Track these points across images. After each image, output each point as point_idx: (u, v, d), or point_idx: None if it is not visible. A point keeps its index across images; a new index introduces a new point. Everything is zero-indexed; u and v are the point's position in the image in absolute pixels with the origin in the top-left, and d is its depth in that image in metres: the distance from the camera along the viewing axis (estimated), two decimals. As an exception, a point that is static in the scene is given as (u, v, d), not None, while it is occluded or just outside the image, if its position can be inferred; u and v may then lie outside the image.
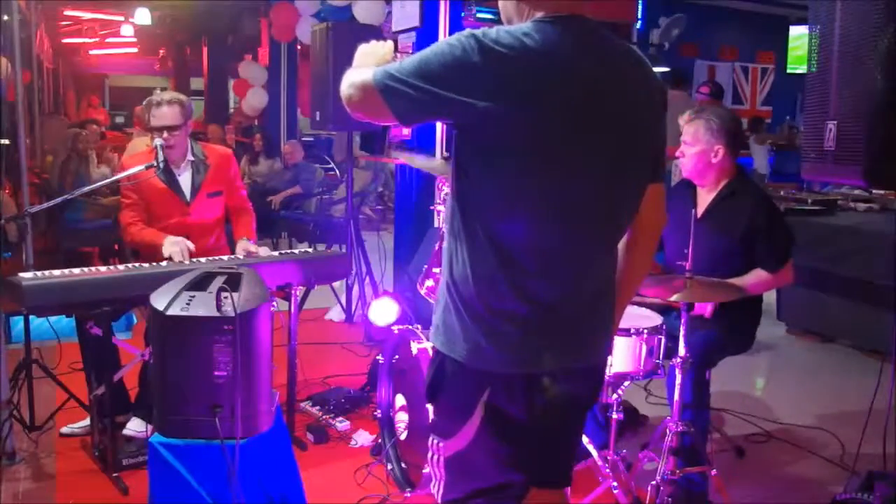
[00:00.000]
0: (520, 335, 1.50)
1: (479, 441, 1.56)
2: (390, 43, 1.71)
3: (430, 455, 1.67)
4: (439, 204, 3.31)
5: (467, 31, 1.43)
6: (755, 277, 2.80)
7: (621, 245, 1.66)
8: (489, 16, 8.81)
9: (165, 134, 3.22)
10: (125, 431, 3.15)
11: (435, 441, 1.64)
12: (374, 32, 4.86)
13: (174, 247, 3.11)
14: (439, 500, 1.68)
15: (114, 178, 3.45)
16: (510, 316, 1.49)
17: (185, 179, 3.37)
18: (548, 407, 1.56)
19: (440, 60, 1.41)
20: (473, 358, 1.51)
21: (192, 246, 3.14)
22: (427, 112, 1.49)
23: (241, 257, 3.25)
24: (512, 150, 1.43)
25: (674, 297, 2.42)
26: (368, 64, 1.60)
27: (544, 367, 1.53)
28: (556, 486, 1.75)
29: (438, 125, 4.59)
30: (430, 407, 1.70)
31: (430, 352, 1.63)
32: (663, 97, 1.63)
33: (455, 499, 1.64)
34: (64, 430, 3.31)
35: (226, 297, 2.22)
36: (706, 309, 2.84)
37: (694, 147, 2.85)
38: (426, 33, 4.75)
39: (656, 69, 1.65)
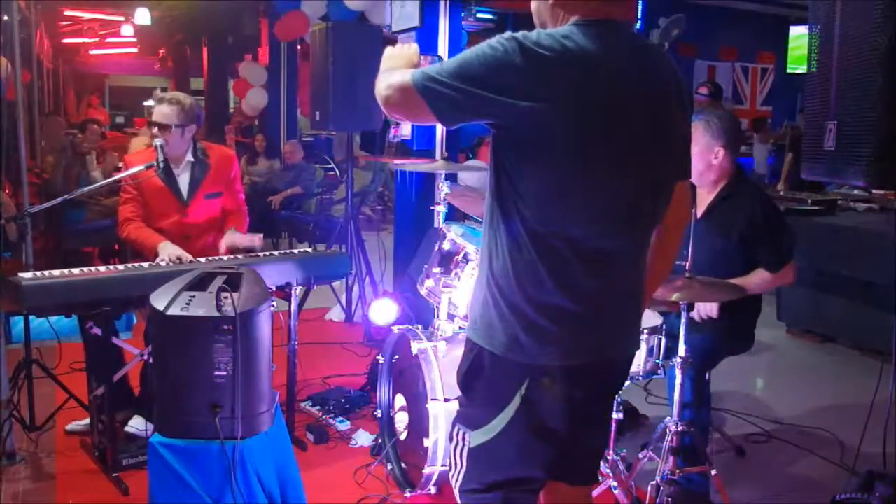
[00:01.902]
0: (559, 328, 1.54)
1: (508, 433, 1.60)
2: (416, 45, 1.77)
3: (452, 444, 1.70)
4: (439, 204, 3.31)
5: (508, 34, 1.47)
6: (757, 277, 2.80)
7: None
8: (489, 16, 8.82)
9: (155, 129, 3.27)
10: (127, 429, 3.15)
11: (461, 431, 1.68)
12: (375, 32, 4.88)
13: (165, 253, 3.14)
14: (457, 490, 1.72)
15: (114, 177, 3.46)
16: (550, 308, 1.53)
17: (183, 180, 3.38)
18: (584, 399, 1.61)
19: (481, 62, 1.46)
20: (512, 350, 1.55)
21: (186, 258, 3.15)
22: (468, 112, 1.52)
23: (223, 247, 3.29)
24: (551, 148, 1.47)
25: (674, 297, 2.42)
26: (397, 66, 1.66)
27: (583, 360, 1.58)
28: (585, 482, 1.80)
29: (439, 127, 4.59)
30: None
31: (466, 344, 1.68)
32: (690, 97, 1.69)
33: (473, 489, 1.68)
34: (69, 427, 3.32)
35: (226, 297, 2.22)
36: (713, 309, 2.83)
37: (694, 148, 2.84)
38: (426, 33, 4.75)
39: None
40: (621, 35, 1.53)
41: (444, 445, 2.61)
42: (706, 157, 2.86)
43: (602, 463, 2.71)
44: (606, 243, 1.55)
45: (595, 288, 1.55)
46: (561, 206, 1.50)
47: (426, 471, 2.69)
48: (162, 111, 3.27)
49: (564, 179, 1.49)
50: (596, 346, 1.60)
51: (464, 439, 1.66)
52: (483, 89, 1.45)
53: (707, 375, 2.92)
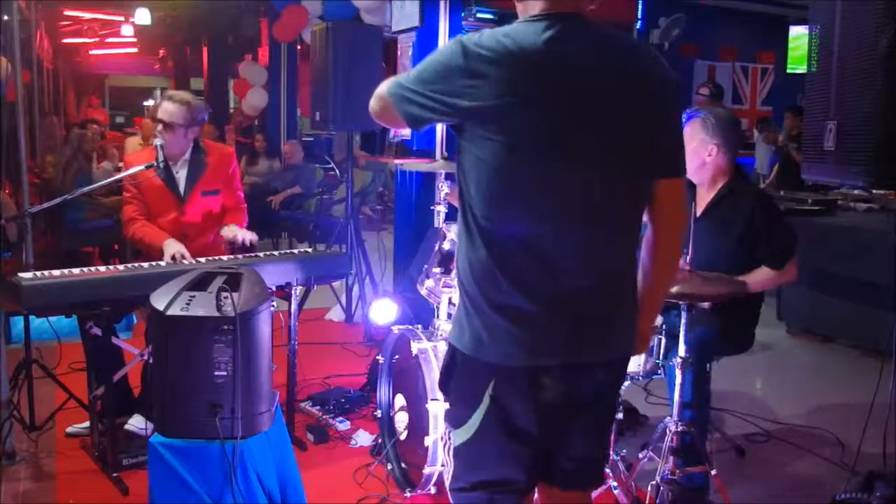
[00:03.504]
0: (517, 328, 1.53)
1: (483, 433, 1.60)
2: None
3: (444, 443, 1.71)
4: (439, 204, 3.31)
5: (457, 37, 1.51)
6: (760, 275, 2.80)
7: (645, 242, 1.69)
8: (489, 16, 8.81)
9: (160, 126, 3.28)
10: (126, 426, 3.15)
11: (447, 429, 1.69)
12: (375, 32, 4.88)
13: (169, 252, 3.14)
14: (448, 488, 1.75)
15: (114, 177, 3.46)
16: (507, 308, 1.52)
17: (181, 177, 3.38)
18: (557, 400, 1.58)
19: (434, 67, 1.52)
20: (477, 350, 1.56)
21: (186, 254, 3.16)
22: (427, 115, 1.55)
23: (228, 237, 3.30)
24: (497, 147, 1.48)
25: (673, 290, 2.40)
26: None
27: (548, 361, 1.55)
28: (579, 487, 1.76)
29: (439, 126, 4.59)
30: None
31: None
32: (674, 90, 1.61)
33: (461, 487, 1.69)
34: (69, 429, 3.31)
35: (226, 297, 2.22)
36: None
37: (688, 145, 2.84)
38: (426, 33, 4.75)
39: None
40: (584, 29, 1.51)
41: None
42: (700, 154, 2.87)
43: (602, 463, 2.71)
44: (561, 242, 1.51)
45: (552, 288, 1.52)
46: (510, 205, 1.50)
47: (426, 471, 2.69)
48: (168, 109, 3.27)
49: (512, 178, 1.48)
50: (561, 347, 1.54)
51: (450, 438, 1.68)
52: (435, 92, 1.50)
53: (708, 373, 2.92)
